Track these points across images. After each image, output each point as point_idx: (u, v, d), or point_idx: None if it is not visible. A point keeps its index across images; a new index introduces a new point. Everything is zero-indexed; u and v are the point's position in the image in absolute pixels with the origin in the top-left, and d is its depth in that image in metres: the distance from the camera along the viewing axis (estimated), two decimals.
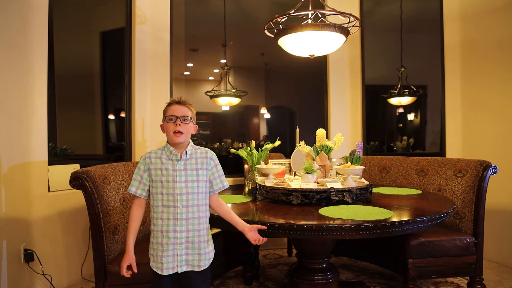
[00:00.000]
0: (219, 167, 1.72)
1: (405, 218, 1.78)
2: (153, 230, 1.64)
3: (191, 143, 1.69)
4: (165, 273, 1.60)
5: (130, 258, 1.64)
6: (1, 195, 2.33)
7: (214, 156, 1.71)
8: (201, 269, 1.63)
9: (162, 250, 1.60)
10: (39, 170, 2.60)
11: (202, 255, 1.63)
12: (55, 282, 2.64)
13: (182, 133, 1.60)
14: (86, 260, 2.85)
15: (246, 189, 2.63)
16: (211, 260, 1.68)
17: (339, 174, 2.35)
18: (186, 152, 1.63)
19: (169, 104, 1.66)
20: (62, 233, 2.76)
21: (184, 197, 1.60)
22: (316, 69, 3.89)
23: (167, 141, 1.67)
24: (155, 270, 1.63)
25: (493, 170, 2.39)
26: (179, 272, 1.61)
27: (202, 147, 1.72)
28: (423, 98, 4.05)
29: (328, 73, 3.83)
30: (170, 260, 1.60)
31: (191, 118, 1.64)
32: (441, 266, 2.32)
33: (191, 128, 1.65)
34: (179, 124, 1.60)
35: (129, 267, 1.64)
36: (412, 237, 2.28)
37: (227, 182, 1.75)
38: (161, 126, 1.68)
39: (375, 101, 4.08)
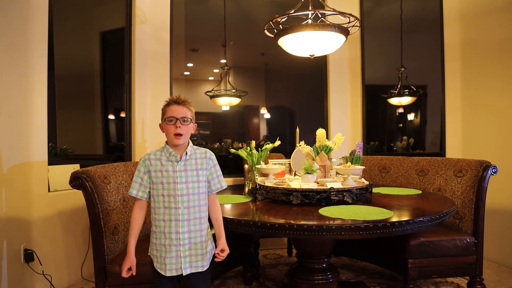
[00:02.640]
0: (218, 167, 1.72)
1: (405, 218, 1.78)
2: (155, 232, 1.63)
3: (191, 143, 1.68)
4: (168, 274, 1.60)
5: (131, 261, 1.64)
6: (1, 195, 2.33)
7: (213, 156, 1.71)
8: (204, 269, 1.64)
9: (165, 251, 1.60)
10: (39, 170, 2.60)
11: (204, 255, 1.64)
12: (55, 282, 2.64)
13: (182, 135, 1.59)
14: (86, 260, 2.85)
15: (246, 189, 2.63)
16: (211, 259, 1.68)
17: (339, 174, 2.35)
18: (186, 153, 1.62)
19: (167, 104, 1.63)
20: (62, 233, 2.76)
21: (185, 198, 1.59)
22: (316, 69, 3.89)
23: (166, 142, 1.66)
24: (158, 270, 1.63)
25: (493, 170, 2.39)
26: (184, 275, 1.60)
27: (201, 147, 1.71)
28: (423, 98, 4.05)
29: (328, 73, 3.83)
30: (173, 261, 1.59)
31: (191, 119, 1.63)
32: (441, 266, 2.31)
33: (191, 128, 1.64)
34: (179, 126, 1.58)
35: (129, 269, 1.64)
36: (412, 237, 2.28)
37: (225, 182, 1.74)
38: (160, 125, 1.66)
39: (375, 101, 4.07)
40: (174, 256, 1.59)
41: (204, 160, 1.66)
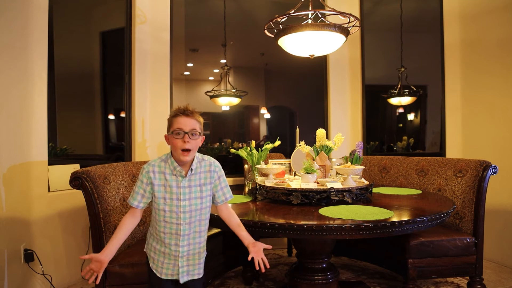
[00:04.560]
0: (223, 178, 1.65)
1: (405, 218, 1.78)
2: (156, 238, 1.61)
3: (196, 154, 1.59)
4: (163, 277, 1.60)
5: (99, 259, 1.45)
6: (1, 195, 2.33)
7: (218, 168, 1.64)
8: (201, 276, 1.64)
9: (163, 257, 1.59)
10: (39, 170, 2.60)
11: (201, 264, 1.65)
12: (55, 282, 2.64)
13: (190, 150, 1.50)
14: (86, 260, 2.85)
15: (246, 189, 2.63)
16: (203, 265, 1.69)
17: (339, 174, 2.35)
18: (191, 170, 1.55)
19: (175, 115, 1.52)
20: (62, 233, 2.76)
21: (187, 215, 1.55)
22: (316, 69, 3.89)
23: (171, 152, 1.57)
24: (154, 271, 1.62)
25: (493, 170, 2.39)
26: (181, 282, 1.59)
27: (206, 157, 1.63)
28: (423, 98, 4.05)
29: (328, 73, 3.83)
30: (170, 267, 1.59)
31: (199, 133, 1.53)
32: (441, 266, 2.32)
33: (199, 142, 1.55)
34: (188, 141, 1.48)
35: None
36: (412, 237, 2.28)
37: (231, 193, 1.68)
38: (166, 137, 1.56)
39: (375, 101, 4.07)
40: (172, 264, 1.59)
41: (208, 174, 1.60)
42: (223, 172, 1.66)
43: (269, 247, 1.59)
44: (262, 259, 1.56)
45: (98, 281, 1.46)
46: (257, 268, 1.56)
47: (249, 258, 1.55)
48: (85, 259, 1.50)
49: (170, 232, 1.56)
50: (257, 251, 1.56)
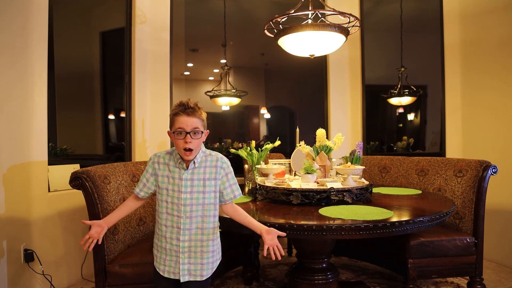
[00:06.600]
0: (231, 175, 1.62)
1: (405, 218, 1.78)
2: (158, 234, 1.62)
3: (202, 148, 1.58)
4: (165, 275, 1.59)
5: (99, 223, 1.61)
6: (1, 195, 2.32)
7: (226, 165, 1.60)
8: (204, 278, 1.59)
9: (165, 254, 1.59)
10: (39, 170, 2.60)
11: (204, 265, 1.59)
12: (55, 282, 2.64)
13: (192, 149, 1.49)
14: (86, 260, 2.85)
15: (246, 189, 2.63)
16: (214, 270, 1.63)
17: (339, 174, 2.35)
18: (194, 162, 1.54)
19: (175, 114, 1.49)
20: (62, 233, 2.76)
21: (188, 208, 1.54)
22: (316, 69, 3.89)
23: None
24: (157, 269, 1.62)
25: (493, 170, 2.39)
26: (181, 281, 1.57)
27: (214, 152, 1.61)
28: (423, 98, 4.05)
29: (328, 73, 3.83)
30: (172, 265, 1.58)
31: (202, 132, 1.51)
32: (441, 266, 2.32)
33: (203, 139, 1.53)
34: (189, 141, 1.47)
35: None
36: (412, 237, 2.28)
37: (239, 191, 1.65)
38: (168, 133, 1.55)
39: (375, 101, 4.08)
40: (174, 261, 1.57)
41: (213, 169, 1.57)
42: (231, 169, 1.63)
43: (283, 234, 1.57)
44: (276, 246, 1.52)
45: (99, 242, 1.58)
46: (274, 258, 1.52)
47: (265, 251, 1.50)
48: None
49: (172, 226, 1.56)
50: (272, 238, 1.52)
